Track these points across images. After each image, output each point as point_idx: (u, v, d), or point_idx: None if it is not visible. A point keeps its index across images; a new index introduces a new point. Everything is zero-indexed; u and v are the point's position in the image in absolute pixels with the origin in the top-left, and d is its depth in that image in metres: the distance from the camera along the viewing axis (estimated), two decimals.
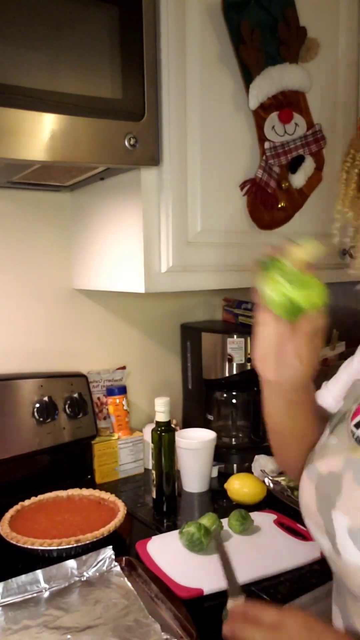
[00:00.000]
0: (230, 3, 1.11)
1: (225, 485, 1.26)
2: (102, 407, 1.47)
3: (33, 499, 1.18)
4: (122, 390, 1.45)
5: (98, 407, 1.46)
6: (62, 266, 1.42)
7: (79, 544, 0.99)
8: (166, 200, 1.10)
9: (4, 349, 1.35)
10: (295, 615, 0.65)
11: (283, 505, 1.20)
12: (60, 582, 0.91)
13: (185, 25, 1.08)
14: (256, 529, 1.10)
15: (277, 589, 0.92)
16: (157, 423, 1.22)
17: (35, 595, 0.88)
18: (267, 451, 1.42)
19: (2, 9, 0.86)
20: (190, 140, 1.11)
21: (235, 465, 1.42)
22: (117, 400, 1.44)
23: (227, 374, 1.44)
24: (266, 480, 1.28)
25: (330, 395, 0.91)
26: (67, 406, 1.33)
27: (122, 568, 0.94)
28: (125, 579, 0.91)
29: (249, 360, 1.44)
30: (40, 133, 0.92)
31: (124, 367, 1.52)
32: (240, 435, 1.48)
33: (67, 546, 0.99)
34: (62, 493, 1.21)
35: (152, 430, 1.23)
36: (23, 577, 0.89)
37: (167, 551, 1.02)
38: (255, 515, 1.12)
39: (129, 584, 0.90)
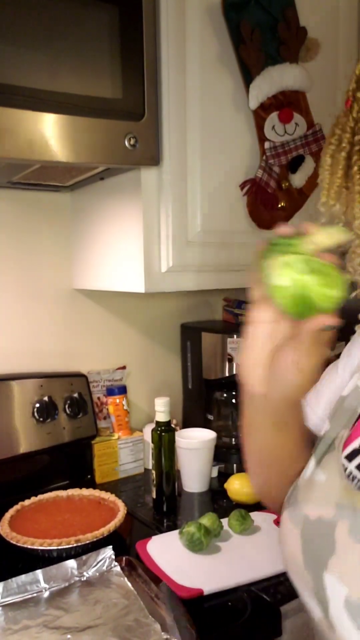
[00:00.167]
0: (230, 3, 1.11)
1: (226, 485, 1.26)
2: (102, 407, 1.47)
3: (33, 499, 1.18)
4: (122, 390, 1.45)
5: (98, 407, 1.46)
6: (62, 266, 1.42)
7: (79, 544, 0.99)
8: (166, 200, 1.10)
9: (4, 349, 1.35)
10: None
11: None
12: (60, 582, 0.90)
13: (185, 25, 1.08)
14: (256, 529, 1.10)
15: (277, 589, 0.92)
16: (157, 423, 1.22)
17: (35, 595, 0.88)
18: None
19: (2, 9, 0.86)
20: (190, 140, 1.11)
21: (235, 465, 1.42)
22: (117, 400, 1.44)
23: (227, 374, 1.44)
24: None
25: (315, 415, 0.78)
26: (67, 406, 1.33)
27: (122, 568, 0.94)
28: (125, 579, 0.91)
29: None
30: (41, 133, 0.92)
31: (124, 367, 1.52)
32: (241, 435, 1.48)
33: (67, 546, 0.99)
34: (62, 493, 1.21)
35: (152, 430, 1.23)
36: (23, 577, 0.89)
37: (167, 551, 1.02)
38: (255, 515, 1.12)
39: (129, 584, 0.90)
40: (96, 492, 1.21)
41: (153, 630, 0.78)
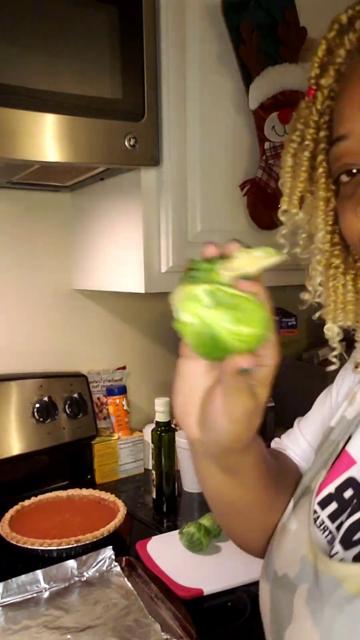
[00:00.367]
0: (230, 4, 1.11)
1: None
2: (102, 407, 1.47)
3: (33, 499, 1.18)
4: (122, 390, 1.45)
5: (98, 407, 1.46)
6: (62, 266, 1.42)
7: (79, 544, 0.99)
8: (166, 200, 1.10)
9: (4, 349, 1.35)
10: None
11: None
12: (60, 582, 0.91)
13: (185, 25, 1.08)
14: None
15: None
16: (157, 423, 1.22)
17: (35, 595, 0.88)
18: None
19: (2, 9, 0.86)
20: (190, 140, 1.11)
21: None
22: (117, 401, 1.44)
23: None
24: None
25: (299, 448, 0.70)
26: (67, 406, 1.33)
27: (122, 568, 0.94)
28: (125, 579, 0.91)
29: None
30: (40, 133, 0.92)
31: (124, 367, 1.52)
32: None
33: (67, 546, 0.99)
34: (62, 493, 1.21)
35: (152, 430, 1.23)
36: (23, 577, 0.89)
37: (167, 551, 1.02)
38: None
39: (129, 584, 0.90)
40: (96, 493, 1.21)
41: (153, 630, 0.78)
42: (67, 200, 1.40)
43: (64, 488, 1.23)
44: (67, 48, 0.93)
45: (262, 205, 1.21)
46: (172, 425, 1.25)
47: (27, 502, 1.17)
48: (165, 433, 1.21)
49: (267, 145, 1.19)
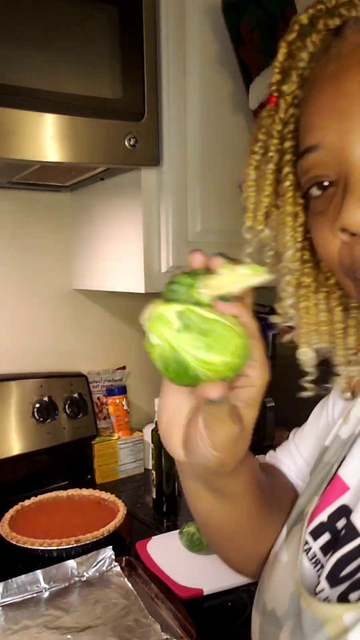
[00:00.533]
0: (230, 4, 1.11)
1: None
2: (102, 407, 1.47)
3: (33, 499, 1.18)
4: (122, 390, 1.45)
5: (98, 407, 1.46)
6: (62, 266, 1.42)
7: (79, 544, 0.99)
8: (166, 200, 1.10)
9: (4, 349, 1.35)
10: None
11: None
12: (60, 582, 0.90)
13: (185, 25, 1.08)
14: None
15: None
16: (158, 423, 1.22)
17: (35, 595, 0.88)
18: (268, 451, 1.42)
19: (2, 10, 0.86)
20: (190, 140, 1.11)
21: None
22: (117, 401, 1.44)
23: None
24: None
25: (295, 466, 0.66)
26: (67, 406, 1.33)
27: (122, 568, 0.94)
28: (125, 579, 0.91)
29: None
30: (41, 133, 0.92)
31: (124, 367, 1.52)
32: None
33: (67, 546, 0.99)
34: (62, 493, 1.21)
35: (152, 430, 1.23)
36: (23, 577, 0.89)
37: (167, 551, 1.02)
38: None
39: (129, 584, 0.90)
40: (96, 492, 1.21)
41: (153, 630, 0.78)
42: (67, 200, 1.40)
43: (64, 488, 1.23)
44: (67, 48, 0.93)
45: None
46: None
47: (27, 502, 1.16)
48: None
49: None
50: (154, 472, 1.23)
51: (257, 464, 0.57)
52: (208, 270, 0.42)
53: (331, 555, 0.49)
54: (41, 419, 1.28)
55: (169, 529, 1.13)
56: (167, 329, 0.40)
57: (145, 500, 1.28)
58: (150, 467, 1.26)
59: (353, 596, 0.44)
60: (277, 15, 1.14)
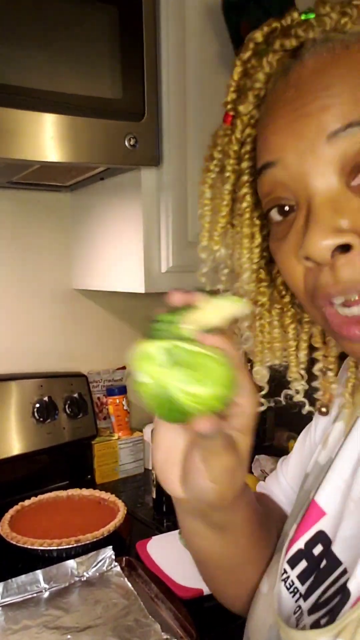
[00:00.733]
0: (230, 3, 1.11)
1: None
2: (102, 407, 1.47)
3: (33, 499, 1.18)
4: (122, 390, 1.45)
5: (98, 407, 1.46)
6: (62, 266, 1.42)
7: (79, 544, 0.99)
8: (166, 200, 1.10)
9: (4, 349, 1.35)
10: None
11: None
12: (60, 582, 0.90)
13: (185, 25, 1.08)
14: None
15: None
16: None
17: (35, 595, 0.88)
18: (267, 451, 1.42)
19: (2, 9, 0.86)
20: (190, 141, 1.11)
21: None
22: (117, 401, 1.44)
23: None
24: None
25: (288, 485, 0.66)
26: (67, 406, 1.33)
27: (122, 568, 0.94)
28: (125, 579, 0.91)
29: (249, 360, 1.43)
30: (41, 133, 0.92)
31: (124, 367, 1.52)
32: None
33: (67, 546, 0.99)
34: (62, 493, 1.21)
35: (152, 431, 1.23)
36: (23, 577, 0.89)
37: (167, 551, 1.01)
38: None
39: (129, 584, 0.90)
40: (96, 492, 1.21)
41: (153, 630, 0.78)
42: (67, 200, 1.40)
43: (64, 488, 1.23)
44: (67, 48, 0.93)
45: None
46: None
47: (27, 502, 1.16)
48: None
49: None
50: (154, 472, 1.23)
51: (253, 496, 0.57)
52: (189, 307, 0.43)
53: (310, 584, 0.48)
54: (41, 419, 1.28)
55: (169, 529, 1.13)
56: (153, 366, 0.40)
57: (145, 500, 1.28)
58: (150, 467, 1.26)
59: (324, 620, 0.44)
60: (278, 15, 1.14)
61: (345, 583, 0.45)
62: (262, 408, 0.57)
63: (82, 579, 0.92)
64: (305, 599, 0.48)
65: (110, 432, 1.44)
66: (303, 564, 0.50)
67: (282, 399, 0.59)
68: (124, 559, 0.96)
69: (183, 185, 1.12)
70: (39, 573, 0.90)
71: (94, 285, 1.35)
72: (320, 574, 0.48)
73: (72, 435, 1.33)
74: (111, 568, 0.94)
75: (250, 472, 1.35)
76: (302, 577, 0.50)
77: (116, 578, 0.92)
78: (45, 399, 1.30)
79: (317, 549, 0.50)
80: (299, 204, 0.45)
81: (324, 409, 0.58)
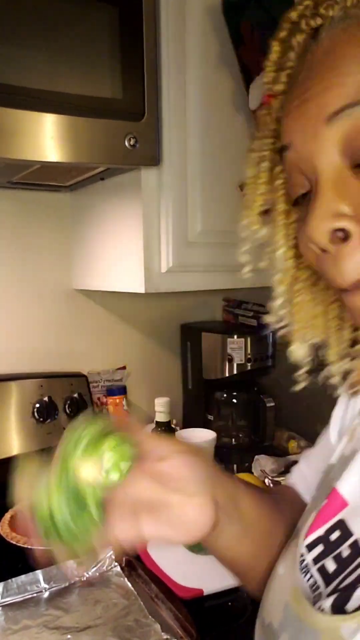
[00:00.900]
0: (231, 3, 1.11)
1: None
2: (102, 407, 1.47)
3: None
4: (122, 391, 1.45)
5: (98, 408, 1.46)
6: (61, 266, 1.42)
7: None
8: (166, 200, 1.10)
9: (3, 349, 1.35)
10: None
11: None
12: (60, 582, 0.91)
13: (185, 25, 1.08)
14: None
15: None
16: (157, 423, 1.22)
17: (35, 595, 0.88)
18: (268, 451, 1.42)
19: (2, 9, 0.86)
20: (190, 141, 1.11)
21: (235, 465, 1.42)
22: (117, 401, 1.44)
23: (227, 374, 1.44)
24: (266, 480, 1.28)
25: (310, 476, 0.67)
26: (67, 406, 1.33)
27: (122, 568, 0.94)
28: (125, 579, 0.91)
29: (249, 360, 1.44)
30: (40, 133, 0.92)
31: (124, 367, 1.52)
32: (241, 435, 1.48)
33: None
34: None
35: (152, 431, 1.23)
36: (23, 577, 0.89)
37: (167, 551, 1.01)
38: None
39: (129, 584, 0.90)
40: None
41: (153, 630, 0.78)
42: (67, 200, 1.40)
43: None
44: (67, 48, 0.93)
45: None
46: (172, 425, 1.25)
47: None
48: (165, 433, 1.21)
49: None
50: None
51: (240, 491, 0.59)
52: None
53: (334, 571, 0.48)
54: (41, 419, 1.28)
55: None
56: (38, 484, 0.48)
57: None
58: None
59: (350, 606, 0.44)
60: (278, 15, 1.14)
61: None
62: (301, 385, 0.60)
63: (82, 579, 0.92)
64: (327, 584, 0.48)
65: None
66: (320, 548, 0.51)
67: (318, 379, 0.59)
68: (124, 559, 0.96)
69: (183, 185, 1.12)
70: (39, 573, 0.90)
71: (94, 285, 1.35)
72: (342, 560, 0.48)
73: None
74: (111, 568, 0.94)
75: (250, 471, 1.35)
76: (316, 560, 0.51)
77: (116, 578, 0.92)
78: (45, 399, 1.30)
79: (334, 535, 0.51)
80: (311, 187, 0.45)
81: (354, 389, 0.58)
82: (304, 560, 0.51)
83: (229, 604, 0.89)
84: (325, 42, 0.43)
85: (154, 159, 1.05)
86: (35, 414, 1.28)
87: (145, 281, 1.11)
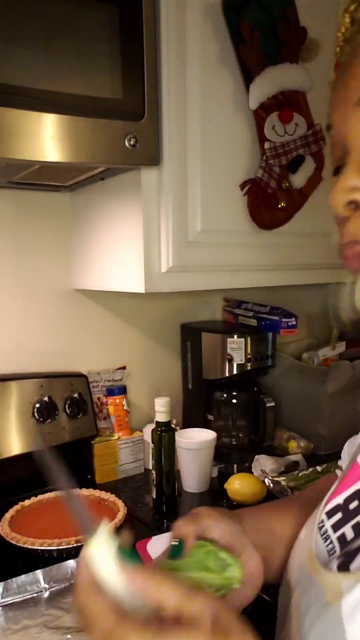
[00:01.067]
0: (230, 3, 1.11)
1: (226, 486, 1.26)
2: (102, 407, 1.47)
3: (33, 499, 1.18)
4: (122, 391, 1.45)
5: (98, 407, 1.46)
6: (62, 266, 1.42)
7: (79, 544, 0.99)
8: (166, 200, 1.10)
9: (3, 349, 1.35)
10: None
11: None
12: (60, 582, 0.91)
13: (185, 25, 1.08)
14: None
15: (278, 589, 0.92)
16: (157, 423, 1.22)
17: (35, 595, 0.88)
18: (268, 451, 1.42)
19: (2, 9, 0.86)
20: (190, 140, 1.11)
21: (235, 465, 1.42)
22: (117, 401, 1.44)
23: (227, 374, 1.44)
24: (266, 480, 1.28)
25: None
26: (67, 406, 1.33)
27: None
28: None
29: (249, 360, 1.44)
30: (40, 133, 0.92)
31: (124, 367, 1.52)
32: (241, 435, 1.48)
33: (67, 546, 0.99)
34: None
35: (152, 430, 1.23)
36: (23, 577, 0.89)
37: None
38: None
39: None
40: (96, 493, 1.21)
41: None
42: (67, 200, 1.40)
43: None
44: (67, 48, 0.93)
45: (262, 205, 1.21)
46: (172, 425, 1.25)
47: (27, 502, 1.16)
48: (166, 433, 1.21)
49: (267, 145, 1.19)
50: (154, 472, 1.23)
51: (273, 520, 0.67)
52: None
53: (353, 537, 0.52)
54: (41, 419, 1.28)
55: (169, 529, 1.13)
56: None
57: (146, 500, 1.28)
58: (151, 467, 1.26)
59: (353, 566, 0.48)
60: (278, 14, 1.14)
61: None
62: None
63: None
64: (342, 547, 0.52)
65: (110, 432, 1.44)
66: (338, 515, 0.55)
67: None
68: None
69: (183, 185, 1.12)
70: (39, 573, 0.90)
71: (94, 285, 1.35)
72: (358, 527, 0.52)
73: (72, 435, 1.33)
74: None
75: (251, 471, 1.35)
76: (335, 527, 0.55)
77: None
78: (46, 399, 1.30)
79: (353, 504, 0.55)
80: (344, 161, 0.52)
81: None
82: (323, 525, 0.55)
83: None
84: None
85: (154, 159, 1.05)
86: (35, 413, 1.28)
87: (145, 281, 1.11)
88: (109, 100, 0.98)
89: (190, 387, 1.57)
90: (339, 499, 0.56)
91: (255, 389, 1.46)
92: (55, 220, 1.40)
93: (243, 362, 1.43)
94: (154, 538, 1.06)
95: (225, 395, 1.49)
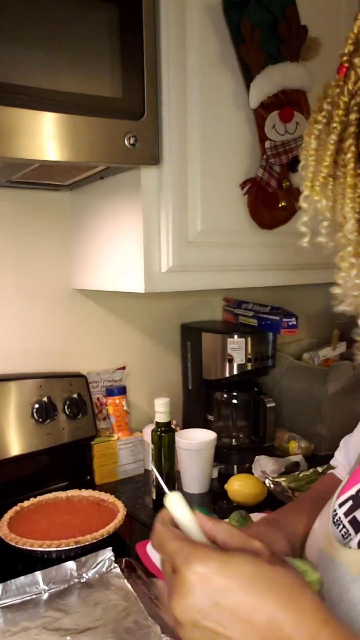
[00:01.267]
0: (231, 2, 1.10)
1: (226, 486, 1.26)
2: (102, 407, 1.46)
3: (32, 500, 1.17)
4: (122, 391, 1.45)
5: (98, 408, 1.46)
6: (61, 266, 1.41)
7: (79, 545, 0.99)
8: (166, 199, 1.10)
9: (3, 349, 1.35)
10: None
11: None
12: (60, 584, 0.90)
13: (185, 24, 1.07)
14: None
15: None
16: (157, 424, 1.22)
17: (34, 596, 0.88)
18: (268, 452, 1.41)
19: (2, 9, 0.86)
20: (190, 140, 1.11)
21: (235, 466, 1.41)
22: (117, 401, 1.43)
23: (227, 374, 1.44)
24: (267, 481, 1.27)
25: (341, 465, 0.78)
26: (66, 406, 1.33)
27: (121, 569, 0.94)
28: (125, 580, 0.91)
29: (249, 360, 1.43)
30: (40, 132, 0.91)
31: (123, 368, 1.51)
32: (241, 435, 1.48)
33: (67, 547, 0.98)
34: (61, 494, 1.20)
35: (152, 431, 1.23)
36: (22, 579, 0.88)
37: None
38: (255, 516, 1.11)
39: (129, 586, 0.89)
40: (96, 493, 1.20)
41: (153, 632, 0.78)
42: (67, 199, 1.40)
43: (64, 489, 1.22)
44: (67, 47, 0.92)
45: (262, 204, 1.21)
46: (172, 426, 1.24)
47: (26, 503, 1.16)
48: (165, 433, 1.21)
49: (267, 144, 1.18)
50: (155, 470, 1.22)
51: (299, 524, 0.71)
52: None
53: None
54: (40, 420, 1.28)
55: None
56: None
57: (145, 501, 1.28)
58: (150, 468, 1.26)
59: None
60: (278, 13, 1.13)
61: None
62: None
63: (82, 581, 0.91)
64: (356, 530, 0.55)
65: (110, 433, 1.44)
66: (349, 503, 0.58)
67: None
68: (123, 560, 0.96)
69: (183, 184, 1.11)
70: (38, 574, 0.89)
71: (94, 285, 1.35)
72: None
73: (71, 436, 1.33)
74: (111, 569, 0.94)
75: (251, 472, 1.34)
76: (347, 513, 0.58)
77: (116, 579, 0.91)
78: (45, 399, 1.30)
79: None
80: None
81: None
82: (336, 514, 0.59)
83: None
84: None
85: (153, 158, 1.05)
86: (35, 414, 1.27)
87: (145, 281, 1.11)
88: (108, 99, 0.97)
89: (190, 387, 1.56)
90: (352, 491, 0.59)
91: (256, 389, 1.45)
92: (54, 219, 1.40)
93: (243, 362, 1.42)
94: None
95: (225, 395, 1.48)
